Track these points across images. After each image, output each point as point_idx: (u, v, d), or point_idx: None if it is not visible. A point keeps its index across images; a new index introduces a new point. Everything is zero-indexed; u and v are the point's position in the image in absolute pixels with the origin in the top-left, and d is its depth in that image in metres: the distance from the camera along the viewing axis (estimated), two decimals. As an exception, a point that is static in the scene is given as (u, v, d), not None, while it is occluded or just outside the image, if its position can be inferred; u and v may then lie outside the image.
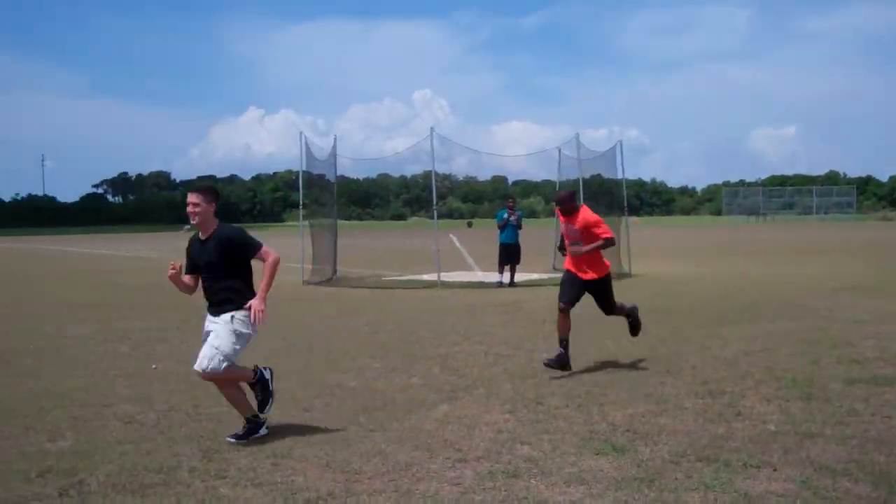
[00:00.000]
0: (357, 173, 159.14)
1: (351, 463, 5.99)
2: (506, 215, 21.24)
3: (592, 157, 24.44)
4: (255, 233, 7.86)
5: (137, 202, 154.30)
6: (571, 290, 9.55)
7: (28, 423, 7.30)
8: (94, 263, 34.33)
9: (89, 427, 7.20)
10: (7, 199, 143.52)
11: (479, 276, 23.98)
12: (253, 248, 6.73)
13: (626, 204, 25.13)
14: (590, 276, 9.57)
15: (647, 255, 29.73)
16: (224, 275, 6.71)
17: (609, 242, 9.54)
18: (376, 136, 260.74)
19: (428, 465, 5.90)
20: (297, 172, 24.10)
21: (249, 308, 6.59)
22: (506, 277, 21.00)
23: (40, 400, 8.27)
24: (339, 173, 25.38)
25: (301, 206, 23.65)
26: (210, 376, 6.73)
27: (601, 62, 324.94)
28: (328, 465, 5.94)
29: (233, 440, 6.67)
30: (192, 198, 6.80)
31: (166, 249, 46.72)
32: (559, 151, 25.95)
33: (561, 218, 9.84)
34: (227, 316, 6.66)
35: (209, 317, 6.81)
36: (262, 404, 6.94)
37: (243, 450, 6.39)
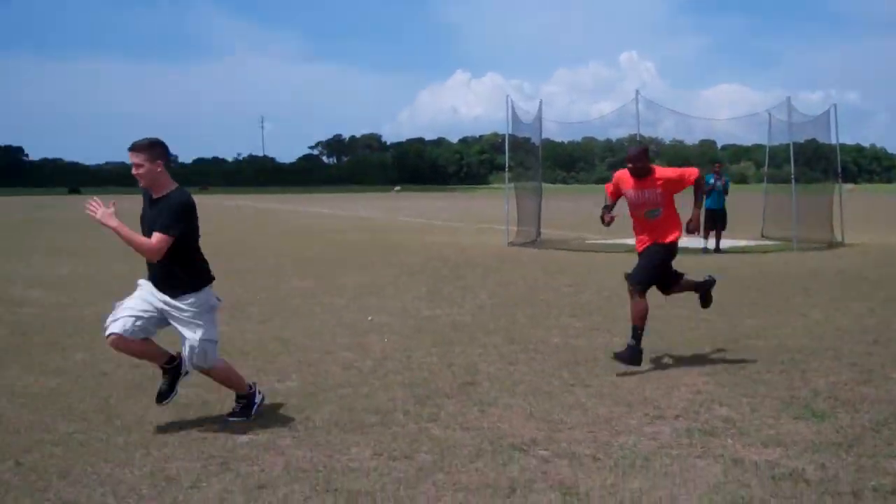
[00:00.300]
0: (562, 136, 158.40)
1: (553, 413, 6.32)
2: (712, 180, 20.90)
3: (805, 121, 23.58)
4: (463, 194, 8.23)
5: (350, 163, 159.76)
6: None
7: (258, 366, 8.02)
8: (311, 221, 36.14)
9: (312, 371, 7.84)
10: (229, 158, 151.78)
11: (682, 240, 23.71)
12: (164, 225, 5.79)
13: (840, 170, 24.12)
14: (672, 237, 8.15)
15: (862, 223, 28.44)
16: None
17: (700, 180, 8.24)
18: (582, 99, 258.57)
19: (627, 420, 6.14)
20: (503, 136, 24.52)
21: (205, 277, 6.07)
22: (711, 243, 20.72)
23: (268, 345, 9.04)
24: (544, 136, 25.64)
25: (507, 169, 24.07)
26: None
27: (817, 21, 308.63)
28: (531, 415, 6.29)
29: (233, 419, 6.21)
30: (132, 157, 5.86)
31: (379, 209, 48.47)
32: (769, 115, 25.18)
33: (628, 183, 8.13)
34: (188, 299, 5.96)
35: (153, 290, 5.99)
36: (237, 414, 6.30)
37: (453, 397, 6.83)
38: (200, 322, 5.98)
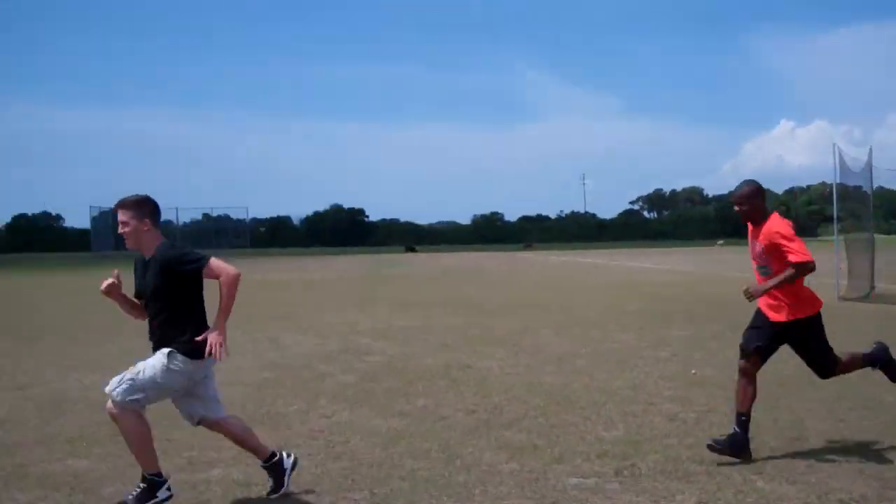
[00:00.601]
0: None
1: (885, 472, 6.16)
2: None
3: None
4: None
5: (671, 217, 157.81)
6: (757, 336, 6.73)
7: (585, 414, 8.38)
8: (633, 275, 36.27)
9: (637, 421, 8.09)
10: (552, 215, 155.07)
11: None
12: (195, 265, 5.43)
13: None
14: (782, 316, 6.66)
15: None
16: (166, 305, 5.48)
17: (801, 269, 6.48)
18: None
19: (969, 482, 5.88)
20: (831, 185, 23.52)
21: (202, 342, 5.37)
22: None
23: (593, 395, 9.39)
24: (876, 185, 24.30)
25: (835, 220, 23.05)
26: (111, 407, 5.39)
27: None
28: (861, 472, 6.17)
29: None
30: (120, 214, 5.57)
31: (702, 262, 47.64)
32: None
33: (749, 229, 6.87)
34: (166, 350, 5.45)
35: None
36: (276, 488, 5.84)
37: (779, 451, 6.82)
38: (155, 361, 5.48)
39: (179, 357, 5.42)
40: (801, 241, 6.51)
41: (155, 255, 5.52)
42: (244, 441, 5.90)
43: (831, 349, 6.87)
